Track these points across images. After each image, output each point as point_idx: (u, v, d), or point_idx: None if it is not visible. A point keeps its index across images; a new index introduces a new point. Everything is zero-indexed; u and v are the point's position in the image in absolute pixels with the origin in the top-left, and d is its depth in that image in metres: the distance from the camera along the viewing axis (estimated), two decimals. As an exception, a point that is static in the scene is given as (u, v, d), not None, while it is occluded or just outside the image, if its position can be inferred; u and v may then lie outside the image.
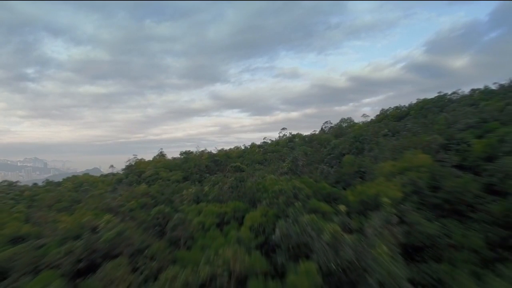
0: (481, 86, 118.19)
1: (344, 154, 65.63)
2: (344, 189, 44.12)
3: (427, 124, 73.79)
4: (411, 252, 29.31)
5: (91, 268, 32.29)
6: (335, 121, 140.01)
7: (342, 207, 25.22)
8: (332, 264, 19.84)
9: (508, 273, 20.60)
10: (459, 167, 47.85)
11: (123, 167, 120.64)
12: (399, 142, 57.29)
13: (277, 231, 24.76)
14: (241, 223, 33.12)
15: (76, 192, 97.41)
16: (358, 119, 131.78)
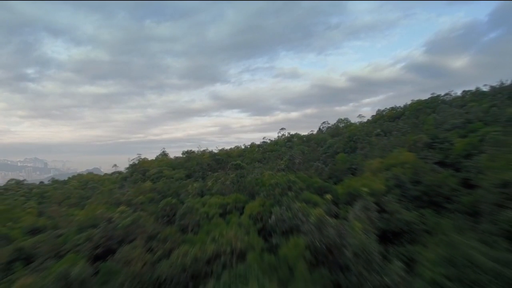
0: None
1: (338, 153, 69.70)
2: (336, 184, 48.29)
3: (418, 124, 77.89)
4: (391, 236, 33.45)
5: (108, 254, 36.42)
6: (334, 121, 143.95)
7: (329, 196, 29.22)
8: (317, 242, 23.91)
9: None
10: (442, 163, 52.05)
11: (125, 166, 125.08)
12: (389, 141, 61.28)
13: (273, 216, 28.85)
14: (241, 213, 37.20)
15: (83, 189, 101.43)
16: (357, 119, 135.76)
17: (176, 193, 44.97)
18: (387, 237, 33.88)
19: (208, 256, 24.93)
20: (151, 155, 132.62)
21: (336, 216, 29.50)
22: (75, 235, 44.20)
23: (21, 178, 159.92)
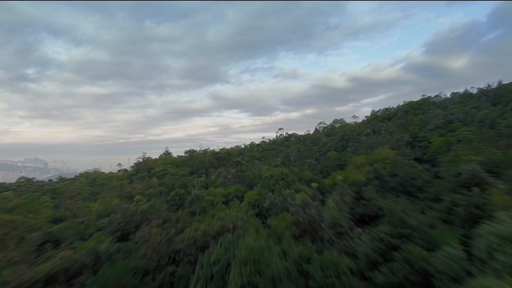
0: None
1: (330, 151, 75.91)
2: (324, 177, 54.47)
3: (405, 124, 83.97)
4: (368, 219, 39.65)
5: (127, 237, 42.57)
6: (332, 122, 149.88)
7: (314, 185, 35.37)
8: (301, 218, 30.09)
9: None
10: (420, 159, 58.31)
11: (126, 166, 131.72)
12: (375, 139, 67.35)
13: (267, 201, 35.01)
14: (241, 201, 43.37)
15: (92, 186, 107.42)
16: (352, 119, 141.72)
17: (183, 185, 50.97)
18: (364, 219, 40.22)
19: (215, 230, 31.06)
20: (152, 155, 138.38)
21: (322, 201, 35.66)
22: (95, 222, 50.47)
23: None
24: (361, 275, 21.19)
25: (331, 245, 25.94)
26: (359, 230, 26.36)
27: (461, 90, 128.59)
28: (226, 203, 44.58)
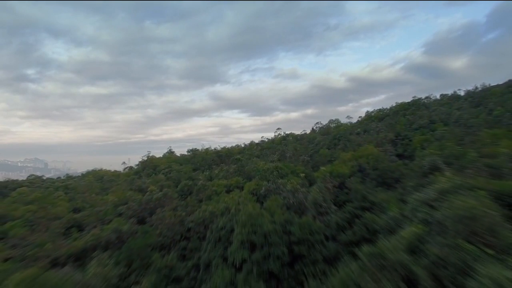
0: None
1: (322, 149, 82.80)
2: (315, 171, 61.30)
3: (393, 124, 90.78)
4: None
5: (142, 222, 49.32)
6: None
7: (302, 174, 42.16)
8: (291, 201, 36.89)
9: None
10: (401, 155, 65.11)
11: (129, 165, 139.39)
12: (364, 138, 74.10)
13: (263, 188, 41.82)
14: (241, 190, 50.14)
15: (101, 182, 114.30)
16: (349, 120, 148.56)
17: (190, 178, 57.68)
18: (345, 204, 47.01)
19: (220, 211, 37.83)
20: (153, 155, 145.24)
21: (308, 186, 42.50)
22: (113, 210, 57.26)
23: (22, 178, 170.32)
24: (333, 238, 28.02)
25: (313, 219, 32.72)
26: (335, 207, 33.17)
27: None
28: (228, 192, 51.35)
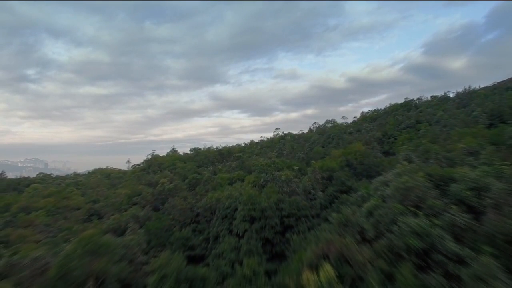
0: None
1: (317, 147, 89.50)
2: (309, 166, 68.06)
3: (383, 124, 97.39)
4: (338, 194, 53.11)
5: (157, 210, 55.79)
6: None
7: (295, 167, 48.84)
8: (285, 189, 43.62)
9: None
10: (387, 153, 71.79)
11: (129, 166, 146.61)
12: (354, 137, 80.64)
13: (262, 179, 48.54)
14: (242, 182, 56.82)
15: (109, 179, 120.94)
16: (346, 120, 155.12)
17: (197, 172, 64.21)
18: (335, 195, 53.79)
19: (225, 196, 44.52)
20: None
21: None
22: (128, 200, 63.91)
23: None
24: (317, 216, 34.76)
25: (303, 201, 39.43)
26: (322, 193, 39.93)
27: (450, 92, 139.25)
28: (231, 184, 58.06)
